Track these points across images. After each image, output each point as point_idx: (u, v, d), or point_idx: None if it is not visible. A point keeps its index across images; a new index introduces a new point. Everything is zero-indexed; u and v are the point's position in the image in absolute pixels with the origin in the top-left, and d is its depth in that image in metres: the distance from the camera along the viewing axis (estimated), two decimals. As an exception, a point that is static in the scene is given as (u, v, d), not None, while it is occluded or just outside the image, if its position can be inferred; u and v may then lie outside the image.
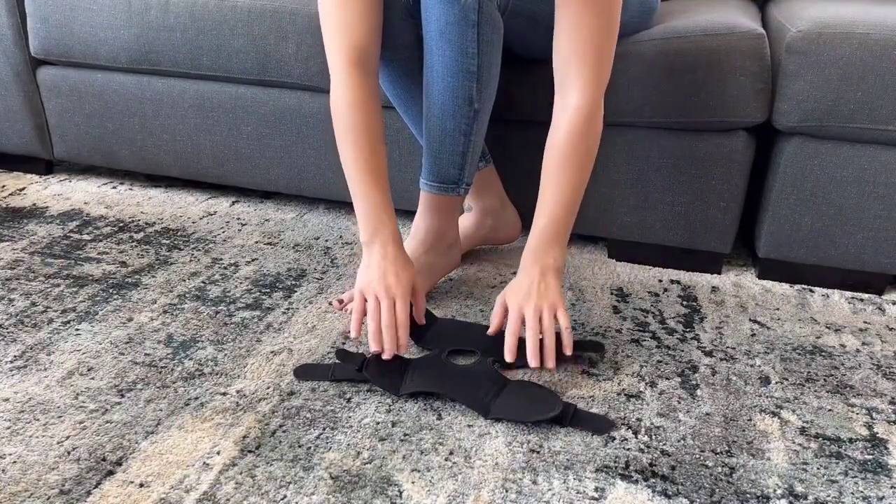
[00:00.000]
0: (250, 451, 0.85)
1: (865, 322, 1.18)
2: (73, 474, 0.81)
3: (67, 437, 0.87)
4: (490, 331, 1.03)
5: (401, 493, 0.80)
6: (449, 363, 1.01)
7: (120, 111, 1.54)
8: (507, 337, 0.99)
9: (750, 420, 0.94)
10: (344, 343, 1.07)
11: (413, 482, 0.82)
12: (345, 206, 1.58)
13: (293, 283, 1.24)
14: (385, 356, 0.96)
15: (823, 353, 1.09)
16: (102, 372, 0.99)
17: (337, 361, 1.02)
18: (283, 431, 0.89)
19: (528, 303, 0.99)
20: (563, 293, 1.03)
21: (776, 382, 1.02)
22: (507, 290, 1.03)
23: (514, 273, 1.30)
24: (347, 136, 1.01)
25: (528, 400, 0.93)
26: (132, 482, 0.80)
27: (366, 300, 0.98)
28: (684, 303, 1.22)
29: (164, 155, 1.56)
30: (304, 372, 1.00)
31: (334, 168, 1.46)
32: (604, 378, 1.01)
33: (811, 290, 1.28)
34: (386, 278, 0.98)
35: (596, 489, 0.81)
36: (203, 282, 1.24)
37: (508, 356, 0.98)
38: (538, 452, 0.87)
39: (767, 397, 0.98)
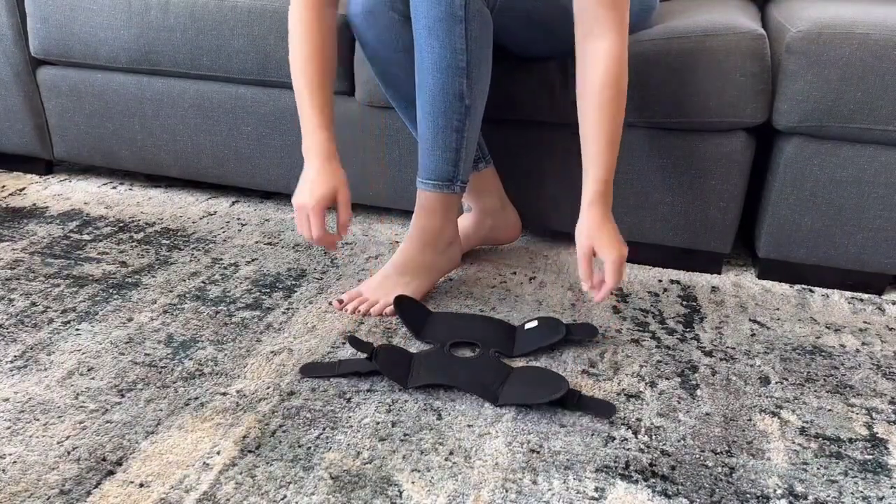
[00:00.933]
0: (250, 451, 0.85)
1: (865, 322, 1.18)
2: (73, 474, 0.81)
3: (67, 437, 0.87)
4: (586, 287, 1.05)
5: (401, 493, 0.80)
6: (452, 356, 1.02)
7: (120, 111, 1.54)
8: (610, 278, 1.02)
9: (750, 420, 0.94)
10: (344, 343, 1.07)
11: (413, 482, 0.82)
12: (345, 206, 1.58)
13: (293, 283, 1.25)
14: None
15: (823, 353, 1.09)
16: (102, 372, 0.99)
17: (341, 359, 1.02)
18: (283, 431, 0.89)
19: (617, 254, 1.02)
20: None
21: (776, 382, 1.02)
22: (595, 240, 1.03)
23: (514, 273, 1.30)
24: (300, 57, 1.07)
25: (535, 383, 0.95)
26: (132, 482, 0.80)
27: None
28: (684, 303, 1.22)
29: (164, 155, 1.56)
30: (311, 369, 1.00)
31: (334, 168, 1.45)
32: (604, 378, 1.01)
33: (811, 290, 1.28)
34: (302, 195, 1.05)
35: (596, 489, 0.82)
36: (203, 282, 1.24)
37: (600, 296, 1.04)
38: (538, 452, 0.87)
39: (767, 397, 0.98)
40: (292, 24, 1.07)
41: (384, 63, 1.14)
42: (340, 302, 1.15)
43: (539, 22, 1.14)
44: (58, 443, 0.86)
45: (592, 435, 0.90)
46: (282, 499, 0.79)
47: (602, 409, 0.93)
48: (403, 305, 1.11)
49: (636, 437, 0.90)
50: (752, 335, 1.13)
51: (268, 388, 0.97)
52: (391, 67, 1.14)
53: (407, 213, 1.54)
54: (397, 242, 1.41)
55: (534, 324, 1.08)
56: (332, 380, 0.99)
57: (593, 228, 1.03)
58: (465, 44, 1.03)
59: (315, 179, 1.05)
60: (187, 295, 1.19)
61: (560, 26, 1.10)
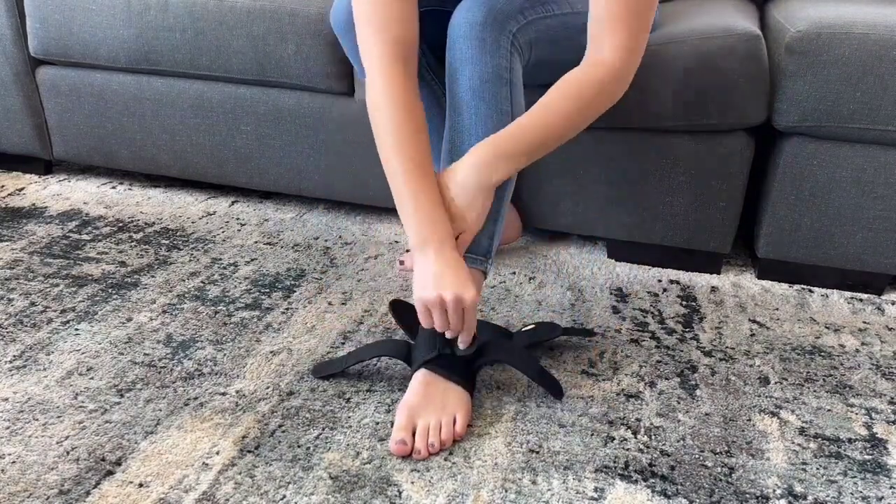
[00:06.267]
0: (249, 452, 0.85)
1: (865, 322, 1.18)
2: (72, 474, 0.81)
3: (67, 437, 0.87)
4: None
5: (400, 493, 0.80)
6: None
7: (119, 111, 1.54)
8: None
9: (749, 420, 0.94)
10: (343, 343, 1.07)
11: (412, 482, 0.82)
12: (344, 206, 1.58)
13: (292, 283, 1.24)
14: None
15: (823, 354, 1.09)
16: (102, 372, 0.99)
17: (349, 351, 1.03)
18: (283, 431, 0.89)
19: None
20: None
21: (775, 382, 1.02)
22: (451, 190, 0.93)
23: (514, 273, 1.30)
24: (392, 133, 0.93)
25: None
26: (131, 482, 0.80)
27: (430, 310, 0.90)
28: (684, 303, 1.22)
29: (164, 155, 1.56)
30: (322, 368, 1.00)
31: (334, 168, 1.45)
32: (603, 378, 1.01)
33: (810, 291, 1.28)
34: (447, 282, 0.88)
35: (595, 489, 0.81)
36: (202, 282, 1.24)
37: None
38: (537, 452, 0.87)
39: (767, 397, 0.98)
40: (384, 98, 0.94)
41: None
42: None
43: (567, 67, 1.14)
44: (57, 443, 0.86)
45: (592, 435, 0.90)
46: (281, 499, 0.79)
47: (555, 389, 0.96)
48: (399, 308, 1.10)
49: (636, 438, 0.90)
50: (752, 335, 1.13)
51: (267, 388, 0.97)
52: None
53: (406, 213, 1.54)
54: (397, 242, 1.41)
55: (531, 327, 1.08)
56: (331, 380, 0.99)
57: (458, 185, 0.92)
58: (511, 107, 0.97)
59: (453, 271, 0.89)
60: (186, 295, 1.19)
61: (571, 64, 1.09)
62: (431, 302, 0.88)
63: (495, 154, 0.92)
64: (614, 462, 0.86)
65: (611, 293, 1.24)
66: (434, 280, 0.89)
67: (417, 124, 0.94)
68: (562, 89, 0.95)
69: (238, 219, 1.50)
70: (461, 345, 0.93)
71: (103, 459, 0.84)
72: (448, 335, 0.91)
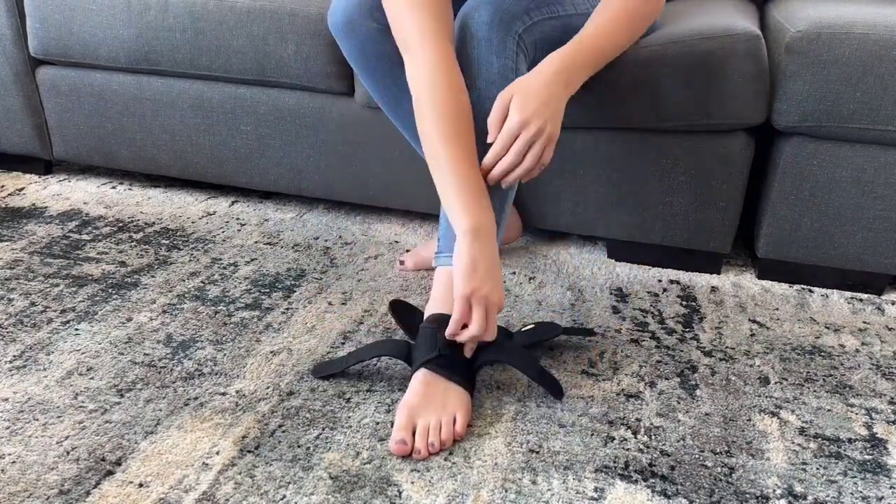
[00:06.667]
0: (249, 452, 0.85)
1: (865, 322, 1.18)
2: (72, 474, 0.81)
3: (67, 437, 0.87)
4: (489, 138, 0.92)
5: (400, 493, 0.80)
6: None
7: (119, 111, 1.54)
8: (497, 140, 0.90)
9: (749, 420, 0.94)
10: (343, 343, 1.07)
11: (412, 482, 0.82)
12: (344, 206, 1.58)
13: (292, 283, 1.24)
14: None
15: (823, 354, 1.09)
16: (102, 372, 0.99)
17: (349, 352, 1.02)
18: (283, 431, 0.89)
19: (530, 123, 0.90)
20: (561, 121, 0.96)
21: (775, 382, 1.02)
22: (516, 89, 0.91)
23: (514, 273, 1.30)
24: (436, 116, 0.90)
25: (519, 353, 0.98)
26: (131, 482, 0.80)
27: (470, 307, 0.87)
28: (684, 303, 1.22)
29: (164, 155, 1.56)
30: (322, 368, 1.00)
31: (334, 168, 1.45)
32: (603, 378, 1.01)
33: (810, 291, 1.28)
34: (496, 282, 0.86)
35: (595, 489, 0.81)
36: (202, 282, 1.24)
37: (489, 157, 0.92)
38: (537, 453, 0.87)
39: (767, 397, 0.98)
40: (429, 75, 0.92)
41: (367, 70, 1.14)
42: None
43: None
44: (57, 443, 0.86)
45: (592, 435, 0.90)
46: (281, 499, 0.79)
47: (555, 389, 0.96)
48: (399, 308, 1.09)
49: (636, 437, 0.90)
50: (752, 335, 1.13)
51: (267, 388, 0.97)
52: (374, 73, 1.14)
53: (405, 213, 1.54)
54: (397, 242, 1.41)
55: (531, 327, 1.08)
56: (331, 380, 0.99)
57: (524, 90, 0.90)
58: None
59: (498, 273, 0.87)
60: (186, 295, 1.19)
61: None
62: (479, 297, 0.86)
63: (573, 65, 0.95)
64: (614, 462, 0.86)
65: (611, 293, 1.25)
66: (487, 274, 0.86)
67: (462, 104, 0.92)
68: (606, 16, 1.01)
69: (238, 219, 1.50)
70: (467, 353, 0.93)
71: (103, 459, 0.84)
72: (463, 336, 0.90)
